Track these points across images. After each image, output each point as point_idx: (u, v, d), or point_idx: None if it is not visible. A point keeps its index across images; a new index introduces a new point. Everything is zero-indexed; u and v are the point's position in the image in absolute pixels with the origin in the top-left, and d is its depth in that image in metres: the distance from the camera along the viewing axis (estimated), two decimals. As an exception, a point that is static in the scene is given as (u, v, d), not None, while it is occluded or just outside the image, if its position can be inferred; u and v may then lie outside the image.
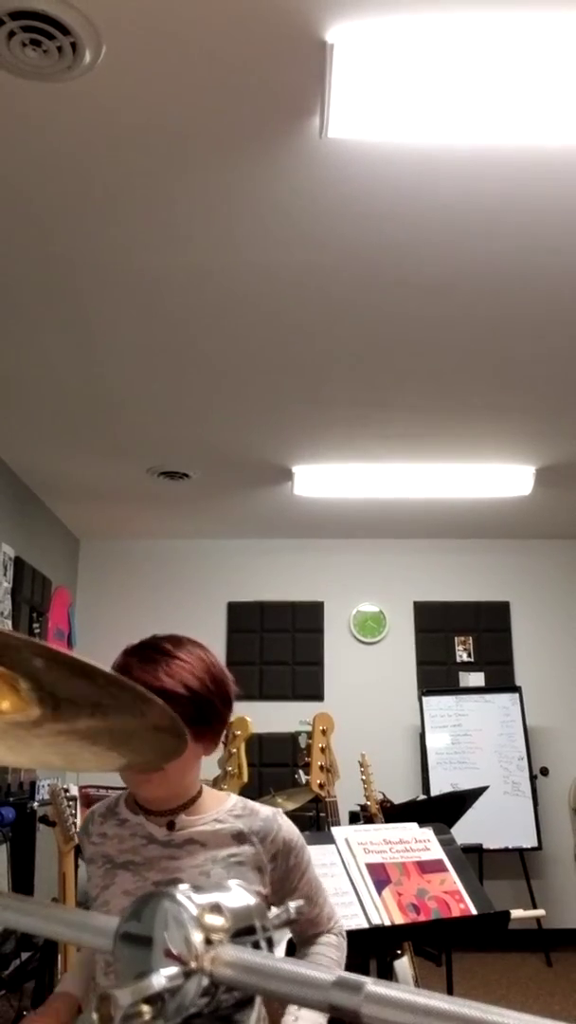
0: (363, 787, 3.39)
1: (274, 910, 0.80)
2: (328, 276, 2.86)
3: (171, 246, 2.69)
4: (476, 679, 6.08)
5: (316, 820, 4.46)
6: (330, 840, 2.23)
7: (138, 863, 1.40)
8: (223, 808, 1.45)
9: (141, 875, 1.39)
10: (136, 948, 0.72)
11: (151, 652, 1.38)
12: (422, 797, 5.07)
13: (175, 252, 2.72)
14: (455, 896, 2.19)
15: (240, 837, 1.41)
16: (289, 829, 1.46)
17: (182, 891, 0.73)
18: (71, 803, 2.61)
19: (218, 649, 6.02)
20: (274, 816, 1.45)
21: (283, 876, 1.44)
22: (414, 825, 2.38)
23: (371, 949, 2.19)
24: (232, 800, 1.48)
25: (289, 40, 1.90)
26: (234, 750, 2.72)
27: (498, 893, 5.56)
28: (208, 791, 1.48)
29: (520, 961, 5.33)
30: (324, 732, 2.88)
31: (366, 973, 1.97)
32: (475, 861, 5.22)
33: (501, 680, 6.07)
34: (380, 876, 2.16)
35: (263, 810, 1.46)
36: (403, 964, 3.02)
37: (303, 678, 6.11)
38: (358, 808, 4.47)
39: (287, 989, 0.64)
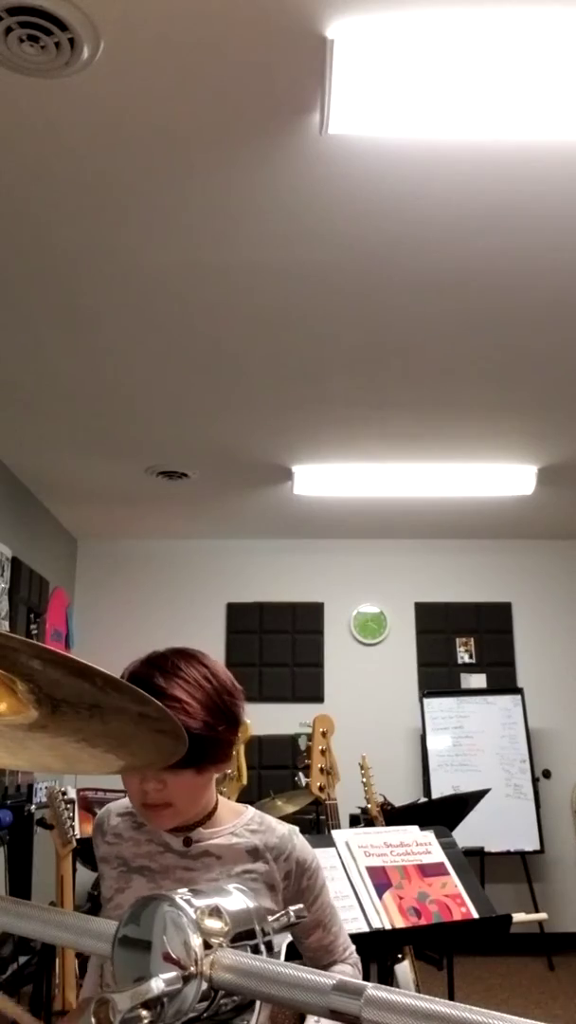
0: (364, 789, 3.37)
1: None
2: (328, 273, 2.85)
3: (170, 244, 2.68)
4: (477, 680, 6.06)
5: (316, 823, 4.44)
6: (330, 843, 2.21)
7: (154, 870, 1.39)
8: (239, 822, 1.44)
9: (157, 883, 1.38)
10: (135, 952, 0.71)
11: (164, 683, 1.29)
12: (423, 800, 5.06)
13: (174, 250, 2.71)
14: (456, 899, 2.18)
15: (255, 853, 1.40)
16: (303, 849, 1.44)
17: (181, 895, 0.71)
18: (69, 806, 2.60)
19: (218, 650, 6.03)
20: (290, 835, 1.44)
21: (295, 896, 1.42)
22: (415, 828, 2.37)
23: (372, 953, 2.17)
24: (249, 814, 1.47)
25: (289, 36, 1.89)
26: (233, 752, 2.71)
27: (500, 896, 5.54)
28: (224, 803, 1.46)
29: (522, 965, 5.31)
30: (324, 734, 2.87)
31: (367, 978, 1.96)
32: (477, 864, 5.20)
33: (503, 682, 6.06)
34: (381, 879, 2.15)
35: (279, 827, 1.45)
36: (404, 968, 3.00)
37: (303, 680, 6.09)
38: (359, 811, 4.46)
39: (287, 994, 0.63)
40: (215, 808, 1.43)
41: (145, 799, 1.32)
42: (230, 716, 1.35)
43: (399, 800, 4.03)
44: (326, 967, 1.48)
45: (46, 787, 4.75)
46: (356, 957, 1.53)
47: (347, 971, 1.48)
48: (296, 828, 1.47)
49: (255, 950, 0.73)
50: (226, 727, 1.34)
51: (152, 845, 1.41)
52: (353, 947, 1.54)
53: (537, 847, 5.45)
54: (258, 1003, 0.73)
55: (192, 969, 0.66)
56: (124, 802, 1.50)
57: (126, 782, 1.33)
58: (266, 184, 2.39)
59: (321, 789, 2.80)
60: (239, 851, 1.40)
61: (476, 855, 5.14)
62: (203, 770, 1.34)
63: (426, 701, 5.81)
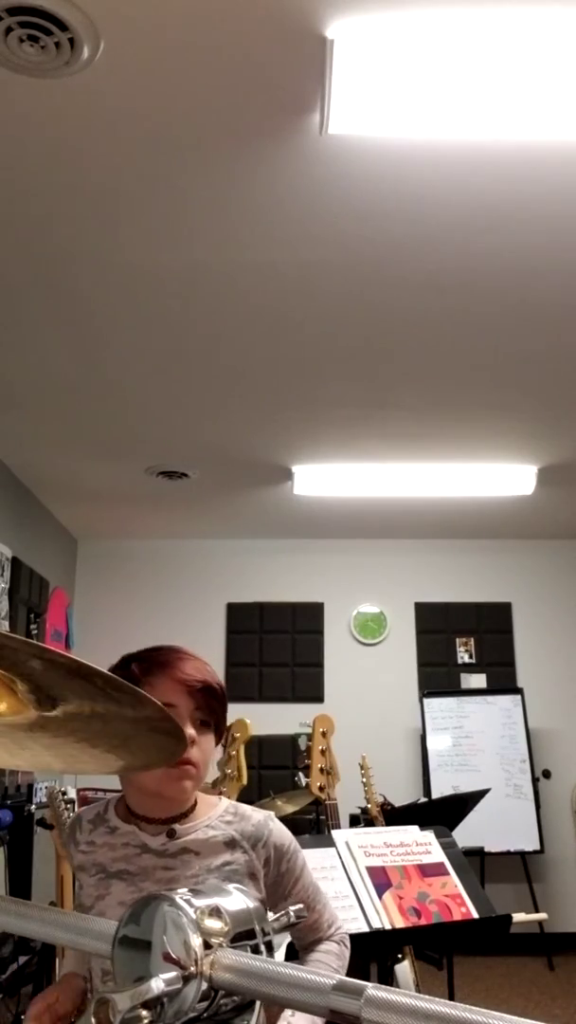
0: (364, 789, 3.37)
1: (272, 914, 0.79)
2: (328, 273, 2.85)
3: (170, 244, 2.68)
4: (478, 680, 6.06)
5: (316, 823, 4.44)
6: (330, 843, 2.21)
7: (132, 873, 1.37)
8: (214, 814, 1.42)
9: (136, 885, 1.36)
10: (135, 952, 0.71)
11: (185, 652, 1.44)
12: (423, 800, 5.05)
13: (174, 250, 2.71)
14: (456, 899, 2.18)
15: (232, 844, 1.39)
16: (280, 833, 1.43)
17: (181, 895, 0.71)
18: (69, 806, 2.60)
19: (217, 651, 6.04)
20: (265, 821, 1.43)
21: (276, 881, 1.42)
22: (415, 828, 2.37)
23: (372, 953, 2.18)
24: (223, 804, 1.46)
25: (289, 36, 1.89)
26: (233, 752, 2.70)
27: (500, 896, 5.54)
28: (200, 796, 1.45)
29: (522, 965, 5.30)
30: (324, 734, 2.87)
31: (367, 978, 1.96)
32: (477, 864, 5.20)
33: (503, 682, 6.05)
34: (381, 879, 2.15)
35: (254, 815, 1.44)
36: (404, 968, 3.00)
37: (303, 680, 6.09)
38: (359, 811, 4.45)
39: (287, 994, 0.63)
40: (195, 802, 1.43)
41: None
42: (225, 700, 1.47)
43: (399, 800, 4.03)
44: (312, 944, 1.49)
45: (46, 787, 4.75)
46: (343, 933, 1.53)
47: (332, 949, 1.49)
48: (271, 813, 1.47)
49: (255, 950, 0.73)
50: (224, 709, 1.45)
51: (128, 848, 1.39)
52: (339, 922, 1.54)
53: (537, 847, 5.45)
54: (258, 1003, 0.73)
55: (192, 969, 0.66)
56: (94, 808, 1.49)
57: None
58: (266, 184, 2.39)
59: (321, 789, 2.80)
60: (216, 844, 1.39)
61: (476, 855, 5.13)
62: (216, 740, 1.44)
63: (426, 701, 5.80)
